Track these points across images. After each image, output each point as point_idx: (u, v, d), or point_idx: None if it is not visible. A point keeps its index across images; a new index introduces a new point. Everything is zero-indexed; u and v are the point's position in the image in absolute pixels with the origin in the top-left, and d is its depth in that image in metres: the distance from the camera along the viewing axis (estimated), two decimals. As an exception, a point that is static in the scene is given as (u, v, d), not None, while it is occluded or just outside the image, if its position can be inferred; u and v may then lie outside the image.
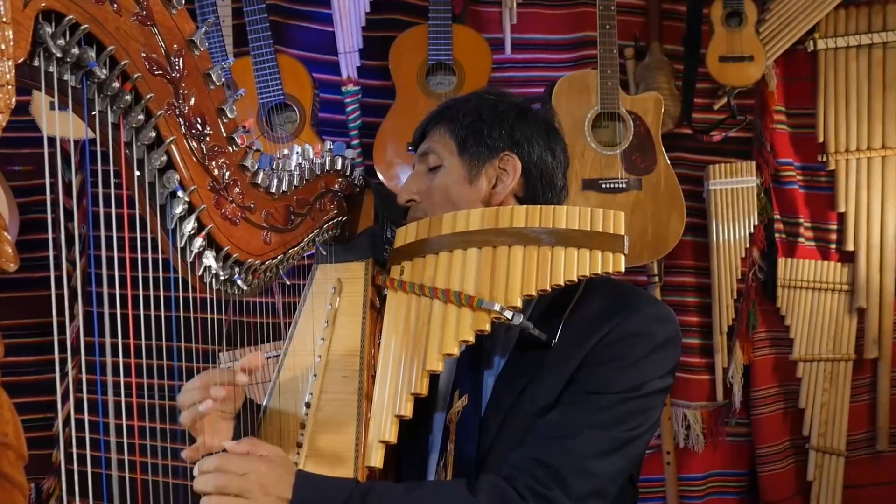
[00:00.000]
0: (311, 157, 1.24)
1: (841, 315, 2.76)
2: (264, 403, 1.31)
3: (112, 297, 0.93)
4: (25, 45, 0.78)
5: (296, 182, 1.19)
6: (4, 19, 0.75)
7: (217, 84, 1.00)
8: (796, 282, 2.76)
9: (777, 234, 2.77)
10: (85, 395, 0.89)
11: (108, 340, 0.92)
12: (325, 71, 2.70)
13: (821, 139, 2.74)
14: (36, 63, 0.82)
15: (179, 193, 0.98)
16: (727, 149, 2.77)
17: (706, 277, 2.79)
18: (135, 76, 0.90)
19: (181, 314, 1.13)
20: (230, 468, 1.05)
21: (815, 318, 2.76)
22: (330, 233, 1.33)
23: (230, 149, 1.04)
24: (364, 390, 1.22)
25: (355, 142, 2.65)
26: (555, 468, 1.13)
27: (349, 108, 2.66)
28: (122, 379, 0.95)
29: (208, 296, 1.07)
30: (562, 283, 1.16)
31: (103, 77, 0.88)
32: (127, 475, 0.97)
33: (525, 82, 2.80)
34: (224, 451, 1.10)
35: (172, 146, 0.96)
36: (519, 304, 1.16)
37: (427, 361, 1.17)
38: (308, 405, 1.25)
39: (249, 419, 1.27)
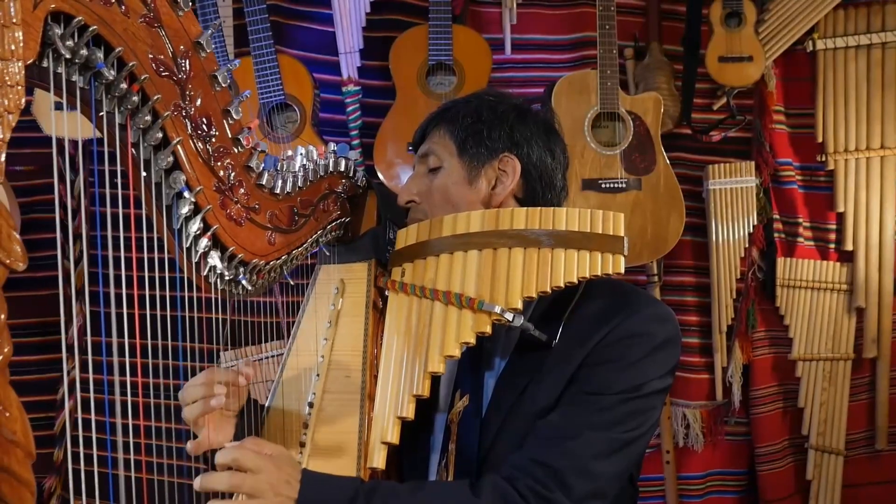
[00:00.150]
0: (315, 158, 1.25)
1: (840, 314, 2.77)
2: (267, 403, 1.32)
3: (116, 296, 0.94)
4: (35, 47, 0.79)
5: (300, 183, 1.20)
6: (14, 21, 0.75)
7: (223, 86, 1.00)
8: (795, 281, 2.77)
9: (776, 234, 2.78)
10: (92, 395, 0.89)
11: (114, 340, 0.93)
12: (325, 71, 2.71)
13: (820, 139, 2.75)
14: (45, 64, 0.82)
15: (185, 194, 0.98)
16: (726, 149, 2.78)
17: (705, 277, 2.79)
18: (142, 77, 0.91)
19: (186, 314, 1.13)
20: (246, 464, 1.06)
21: (814, 318, 2.77)
22: (333, 234, 1.34)
23: (235, 150, 1.05)
24: (366, 390, 1.23)
25: (355, 142, 2.66)
26: (555, 469, 1.14)
27: (349, 109, 2.67)
28: (127, 378, 0.96)
29: (212, 295, 1.08)
30: (562, 285, 1.16)
31: (111, 78, 0.88)
32: (133, 474, 0.98)
33: (525, 82, 2.80)
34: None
35: (179, 147, 0.96)
36: (519, 305, 1.17)
37: (428, 363, 1.17)
38: (311, 405, 1.26)
39: (252, 418, 1.27)
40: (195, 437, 1.23)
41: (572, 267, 1.17)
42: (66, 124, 2.22)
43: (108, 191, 0.97)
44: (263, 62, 2.51)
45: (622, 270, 1.17)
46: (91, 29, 0.84)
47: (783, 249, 2.80)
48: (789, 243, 2.81)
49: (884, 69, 2.71)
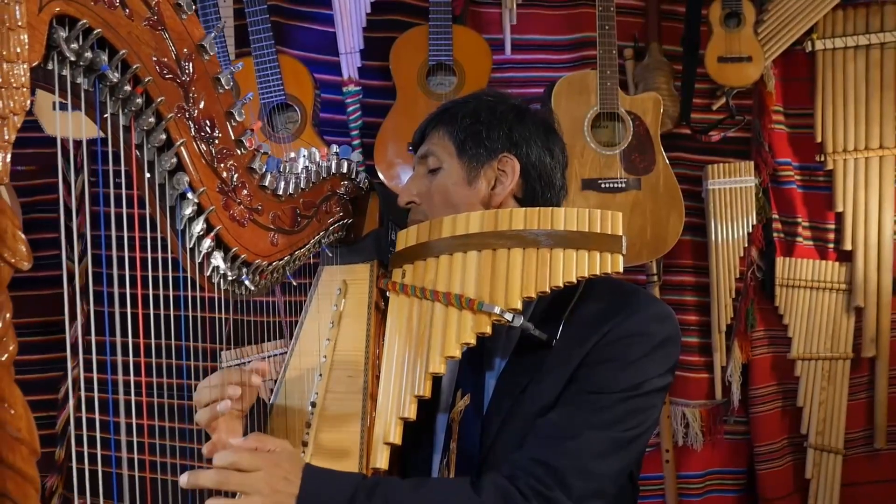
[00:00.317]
0: (318, 160, 1.25)
1: (839, 314, 2.77)
2: (271, 402, 1.33)
3: (120, 296, 0.94)
4: (40, 49, 0.79)
5: (302, 185, 1.20)
6: (20, 23, 0.76)
7: (226, 88, 1.01)
8: (794, 281, 2.77)
9: (775, 234, 2.78)
10: (96, 394, 0.90)
11: (118, 340, 0.93)
12: (326, 71, 2.71)
13: (819, 139, 2.75)
14: (50, 66, 0.83)
15: (189, 195, 0.99)
16: (726, 149, 2.78)
17: (705, 276, 2.80)
18: (146, 80, 0.91)
19: (189, 313, 1.14)
20: (242, 464, 1.06)
21: (813, 317, 2.77)
22: (335, 235, 1.34)
23: (238, 151, 1.05)
24: (368, 390, 1.24)
25: (356, 142, 2.66)
26: (555, 468, 1.14)
27: (350, 109, 2.67)
28: (131, 378, 0.96)
29: (215, 295, 1.08)
30: (561, 285, 1.17)
31: (115, 80, 0.89)
32: (137, 474, 0.98)
33: (525, 83, 2.81)
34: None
35: (182, 149, 0.97)
36: (519, 306, 1.17)
37: (429, 364, 1.18)
38: (314, 404, 1.26)
39: (257, 417, 1.28)
40: (207, 437, 1.24)
41: (571, 267, 1.17)
42: (70, 124, 2.23)
43: (111, 191, 0.98)
44: (264, 62, 2.51)
45: (621, 269, 1.17)
46: (95, 32, 0.85)
47: (782, 249, 2.81)
48: (788, 243, 2.82)
49: (882, 69, 2.71)
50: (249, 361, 2.25)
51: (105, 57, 0.87)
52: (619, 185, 2.53)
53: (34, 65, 0.79)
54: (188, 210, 1.00)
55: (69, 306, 2.52)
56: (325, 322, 1.33)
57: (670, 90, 2.71)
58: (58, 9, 0.81)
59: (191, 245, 1.02)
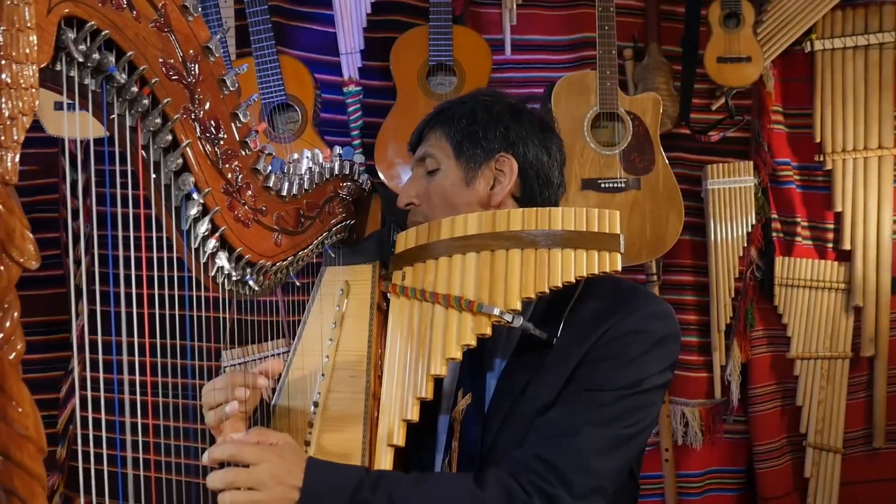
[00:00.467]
0: (321, 161, 1.26)
1: (838, 313, 2.78)
2: (273, 402, 1.33)
3: (126, 295, 0.95)
4: (48, 50, 0.80)
5: (306, 186, 1.21)
6: (29, 25, 0.76)
7: (231, 89, 1.02)
8: (793, 280, 2.78)
9: (774, 234, 2.79)
10: (102, 393, 0.91)
11: (124, 339, 0.94)
12: (326, 71, 2.72)
13: (818, 139, 2.76)
14: (58, 67, 0.83)
15: (194, 195, 0.99)
16: (725, 149, 2.79)
17: (704, 276, 2.80)
18: (153, 81, 0.92)
19: (191, 313, 1.15)
20: (244, 457, 1.07)
21: (812, 317, 2.78)
22: (338, 236, 1.35)
23: (243, 152, 1.06)
24: (371, 390, 1.24)
25: (356, 142, 2.67)
26: (556, 466, 1.15)
27: (350, 109, 2.68)
28: (137, 377, 0.97)
29: (219, 295, 1.09)
30: (560, 285, 1.17)
31: (122, 81, 0.89)
32: (142, 473, 0.99)
33: (525, 83, 2.81)
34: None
35: (188, 149, 0.97)
36: (518, 306, 1.17)
37: (430, 366, 1.19)
38: (316, 404, 1.27)
39: (259, 417, 1.29)
40: (213, 438, 1.24)
41: (569, 266, 1.17)
42: (77, 124, 2.23)
43: (118, 191, 0.99)
44: (265, 63, 2.52)
45: (619, 268, 1.17)
46: (103, 33, 0.85)
47: (781, 249, 2.81)
48: (787, 243, 2.82)
49: (881, 70, 2.72)
50: (250, 361, 2.26)
51: (112, 58, 0.88)
52: (619, 185, 2.54)
53: (43, 66, 0.79)
54: (193, 210, 1.00)
55: (68, 305, 2.52)
56: (327, 322, 1.33)
57: (670, 90, 2.72)
58: (66, 10, 0.81)
59: (196, 245, 1.02)
